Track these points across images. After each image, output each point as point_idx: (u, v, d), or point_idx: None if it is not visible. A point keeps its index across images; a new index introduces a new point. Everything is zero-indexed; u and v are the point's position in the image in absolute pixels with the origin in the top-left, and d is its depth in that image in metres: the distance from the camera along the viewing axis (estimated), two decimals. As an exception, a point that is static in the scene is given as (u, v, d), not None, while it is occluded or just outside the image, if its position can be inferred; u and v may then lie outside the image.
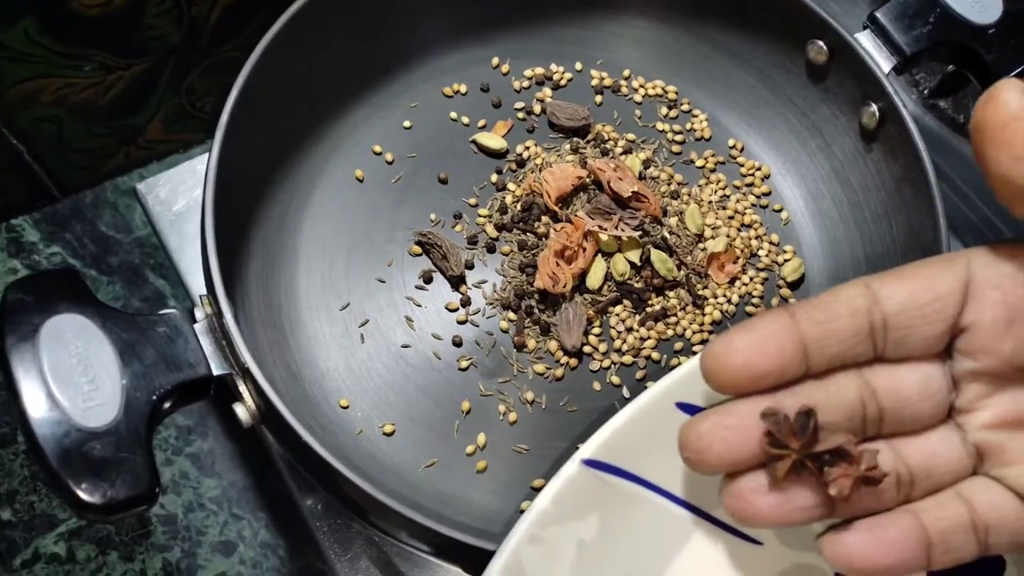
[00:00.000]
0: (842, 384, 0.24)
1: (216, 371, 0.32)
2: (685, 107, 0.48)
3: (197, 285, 0.44)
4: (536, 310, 0.41)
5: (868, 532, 0.24)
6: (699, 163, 0.46)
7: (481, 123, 0.46)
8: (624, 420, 0.27)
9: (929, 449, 0.25)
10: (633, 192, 0.43)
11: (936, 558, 0.24)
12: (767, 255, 0.44)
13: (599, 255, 0.42)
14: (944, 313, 0.24)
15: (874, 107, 0.42)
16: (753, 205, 0.46)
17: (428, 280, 0.42)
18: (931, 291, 0.24)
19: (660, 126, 0.47)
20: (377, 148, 0.45)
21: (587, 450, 0.26)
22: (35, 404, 0.29)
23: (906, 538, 0.24)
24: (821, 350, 0.24)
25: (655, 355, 0.41)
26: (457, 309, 0.42)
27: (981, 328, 0.24)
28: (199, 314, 0.34)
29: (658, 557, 0.27)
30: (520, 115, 0.46)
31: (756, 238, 0.45)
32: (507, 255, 0.43)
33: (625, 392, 0.41)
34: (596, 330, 0.42)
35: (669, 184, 0.45)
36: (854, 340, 0.24)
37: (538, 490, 0.39)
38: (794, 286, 0.44)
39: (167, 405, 0.31)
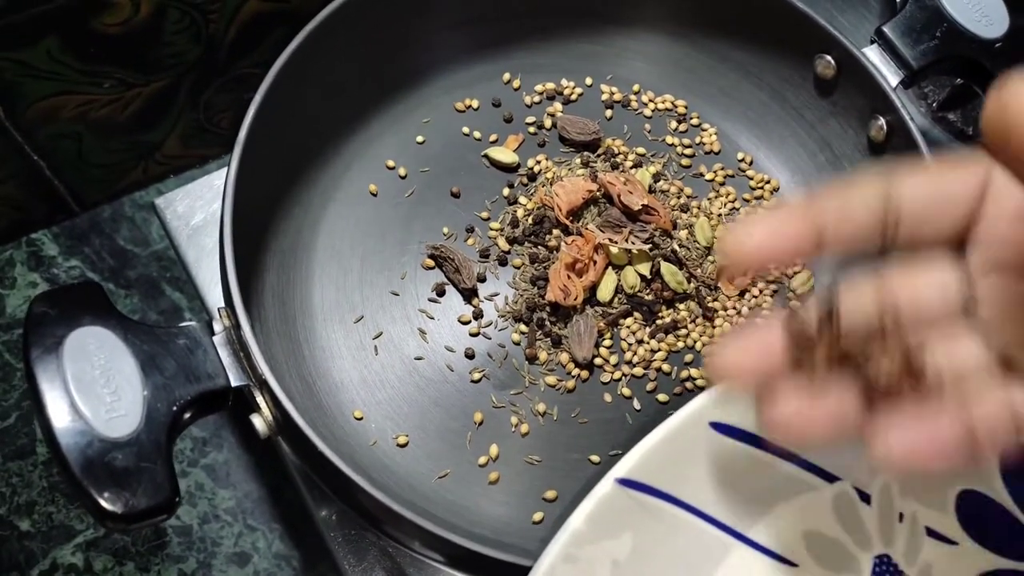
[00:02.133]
0: (861, 291, 0.24)
1: (234, 382, 0.33)
2: (694, 121, 0.48)
3: (214, 298, 0.45)
4: (547, 322, 0.42)
5: (917, 420, 0.23)
6: (708, 176, 0.47)
7: (493, 138, 0.47)
8: (658, 439, 0.27)
9: (958, 355, 0.24)
10: (643, 205, 0.43)
11: (983, 442, 0.23)
12: (776, 267, 0.45)
13: (610, 268, 0.43)
14: (960, 208, 0.24)
15: (882, 120, 0.42)
16: (762, 218, 0.46)
17: (441, 293, 0.43)
18: (948, 184, 0.24)
19: (670, 140, 0.47)
20: (391, 163, 0.45)
21: (621, 469, 0.26)
22: (59, 414, 0.29)
23: (953, 426, 0.23)
24: (835, 234, 0.24)
25: (665, 367, 0.42)
26: (469, 322, 0.42)
27: (1001, 220, 0.23)
28: (217, 326, 0.34)
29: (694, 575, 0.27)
30: (531, 130, 0.47)
31: (766, 250, 0.45)
32: (519, 268, 0.43)
33: (636, 404, 0.41)
34: (607, 342, 0.42)
35: (679, 197, 0.46)
36: (868, 228, 0.24)
37: (550, 501, 0.39)
38: (804, 298, 0.44)
39: (187, 416, 0.31)
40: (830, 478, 0.28)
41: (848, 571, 0.26)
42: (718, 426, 0.27)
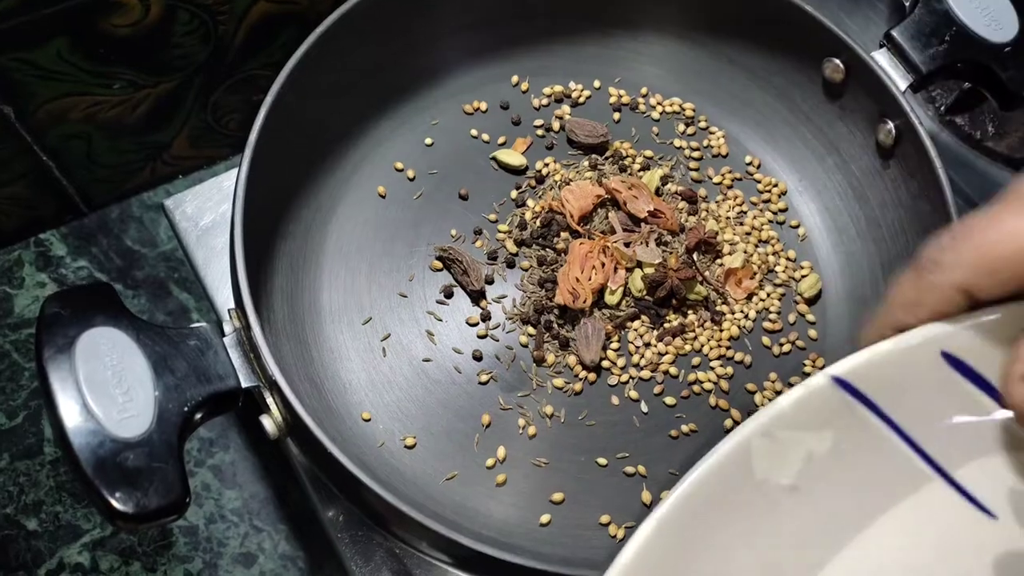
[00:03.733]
0: None
1: (245, 383, 0.33)
2: (702, 124, 0.48)
3: (222, 298, 0.45)
4: (555, 325, 0.42)
5: None
6: (716, 179, 0.47)
7: (501, 140, 0.47)
8: (885, 350, 0.26)
9: None
10: (649, 211, 0.43)
11: None
12: (784, 271, 0.45)
13: (621, 269, 0.43)
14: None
15: (891, 125, 0.42)
16: (770, 221, 0.46)
17: (449, 295, 0.43)
18: None
19: (677, 143, 0.47)
20: (399, 165, 0.45)
21: (840, 368, 0.26)
22: (71, 415, 0.29)
23: None
24: None
25: (673, 370, 0.42)
26: (477, 324, 0.42)
27: None
28: (227, 328, 0.34)
29: (881, 497, 0.26)
30: (539, 132, 0.47)
31: (773, 254, 0.45)
32: (527, 270, 0.43)
33: (643, 407, 0.41)
34: (614, 345, 0.42)
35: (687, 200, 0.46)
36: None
37: (558, 503, 0.39)
38: (811, 302, 0.44)
39: (198, 416, 0.31)
40: None
41: None
42: (950, 358, 0.26)
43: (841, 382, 0.26)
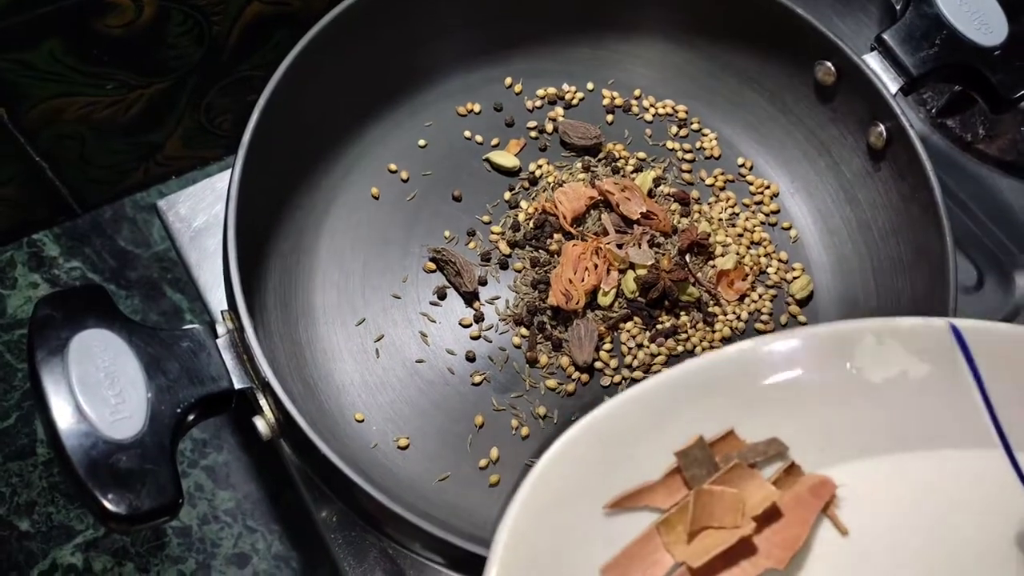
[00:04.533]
0: None
1: (238, 385, 0.33)
2: (695, 126, 0.48)
3: (216, 300, 0.45)
4: (548, 326, 0.42)
5: None
6: (709, 181, 0.47)
7: (494, 142, 0.47)
8: (1005, 328, 0.28)
9: None
10: (642, 213, 0.43)
11: None
12: (776, 272, 0.45)
13: (614, 271, 0.43)
14: None
15: (881, 127, 0.42)
16: (762, 223, 0.46)
17: (442, 296, 0.43)
18: None
19: (670, 145, 0.48)
20: (393, 166, 0.46)
21: (961, 321, 0.28)
22: (63, 416, 0.29)
23: None
24: None
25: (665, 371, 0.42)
26: (471, 325, 0.42)
27: None
28: (220, 329, 0.34)
29: (942, 436, 0.28)
30: (533, 134, 0.47)
31: (765, 255, 0.45)
32: (520, 272, 0.44)
33: (636, 407, 0.41)
34: (607, 346, 0.42)
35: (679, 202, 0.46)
36: None
37: (550, 504, 0.39)
38: (803, 303, 0.45)
39: (191, 418, 0.31)
40: None
41: None
42: None
43: (957, 333, 0.28)
